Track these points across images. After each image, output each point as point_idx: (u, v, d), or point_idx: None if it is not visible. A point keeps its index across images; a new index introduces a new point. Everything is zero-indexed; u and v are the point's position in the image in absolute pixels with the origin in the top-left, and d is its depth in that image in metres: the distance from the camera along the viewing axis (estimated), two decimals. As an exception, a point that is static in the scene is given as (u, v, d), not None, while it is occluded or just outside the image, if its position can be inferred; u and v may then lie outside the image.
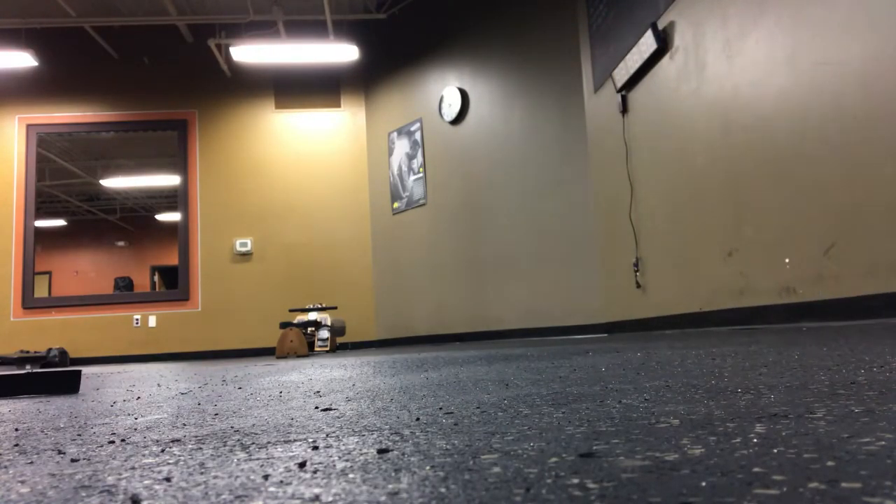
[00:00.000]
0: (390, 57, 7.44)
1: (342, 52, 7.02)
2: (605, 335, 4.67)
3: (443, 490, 0.41)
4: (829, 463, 0.41)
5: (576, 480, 0.41)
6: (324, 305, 6.12)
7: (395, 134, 7.33)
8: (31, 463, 0.61)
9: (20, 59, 6.84)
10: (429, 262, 6.81)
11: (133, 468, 0.55)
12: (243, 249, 7.48)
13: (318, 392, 1.26)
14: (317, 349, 5.95)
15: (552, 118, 5.65)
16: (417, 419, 0.76)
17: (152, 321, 7.37)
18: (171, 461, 0.58)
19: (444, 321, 6.59)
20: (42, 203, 8.11)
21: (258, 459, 0.56)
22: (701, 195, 3.70)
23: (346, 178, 7.73)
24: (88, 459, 0.61)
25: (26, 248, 7.34)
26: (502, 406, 0.83)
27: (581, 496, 0.37)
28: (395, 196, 7.30)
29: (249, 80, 7.76)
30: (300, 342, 5.35)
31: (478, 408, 0.83)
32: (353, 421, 0.78)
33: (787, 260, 3.04)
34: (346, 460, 0.53)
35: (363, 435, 0.66)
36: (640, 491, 0.37)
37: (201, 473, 0.51)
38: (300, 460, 0.54)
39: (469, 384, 1.19)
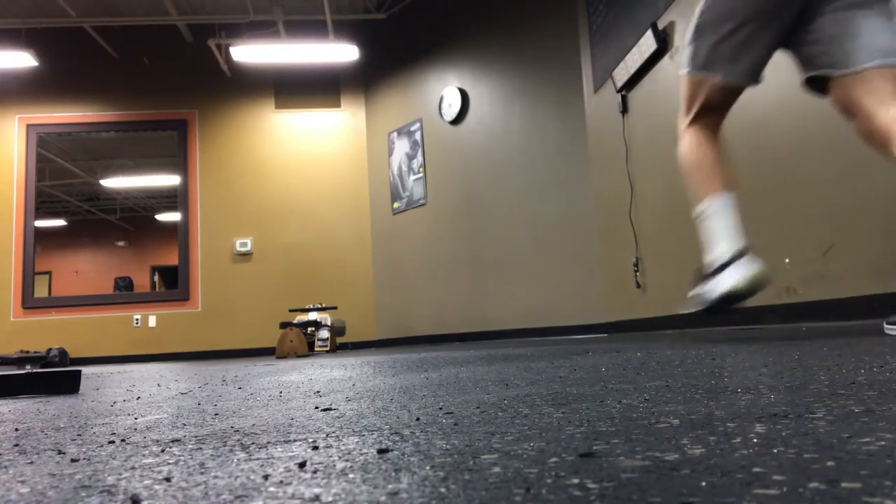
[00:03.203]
0: (390, 57, 7.44)
1: (342, 52, 7.01)
2: (605, 335, 4.67)
3: (443, 490, 0.41)
4: (829, 463, 0.41)
5: (576, 480, 0.41)
6: (324, 305, 6.12)
7: (395, 134, 7.33)
8: (31, 463, 0.61)
9: (20, 59, 6.83)
10: (429, 262, 6.81)
11: (133, 468, 0.55)
12: (243, 249, 7.48)
13: (318, 392, 1.26)
14: (317, 349, 5.95)
15: (552, 118, 5.65)
16: (417, 419, 0.76)
17: (152, 321, 7.37)
18: (171, 461, 0.58)
19: (444, 321, 6.59)
20: (42, 203, 8.11)
21: (258, 459, 0.56)
22: (701, 195, 3.70)
23: (346, 178, 7.73)
24: (88, 459, 0.61)
25: (26, 248, 7.34)
26: (502, 406, 0.83)
27: (581, 496, 0.37)
28: (395, 196, 7.30)
29: (249, 80, 7.76)
30: (300, 342, 5.35)
31: (478, 408, 0.83)
32: (353, 421, 0.78)
33: (787, 260, 3.04)
34: (346, 460, 0.53)
35: (363, 435, 0.66)
36: (640, 491, 0.37)
37: (201, 473, 0.51)
38: (300, 460, 0.54)
39: (469, 384, 1.19)
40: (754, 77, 2.07)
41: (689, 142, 2.13)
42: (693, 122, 2.14)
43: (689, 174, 2.13)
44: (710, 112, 2.11)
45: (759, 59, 2.04)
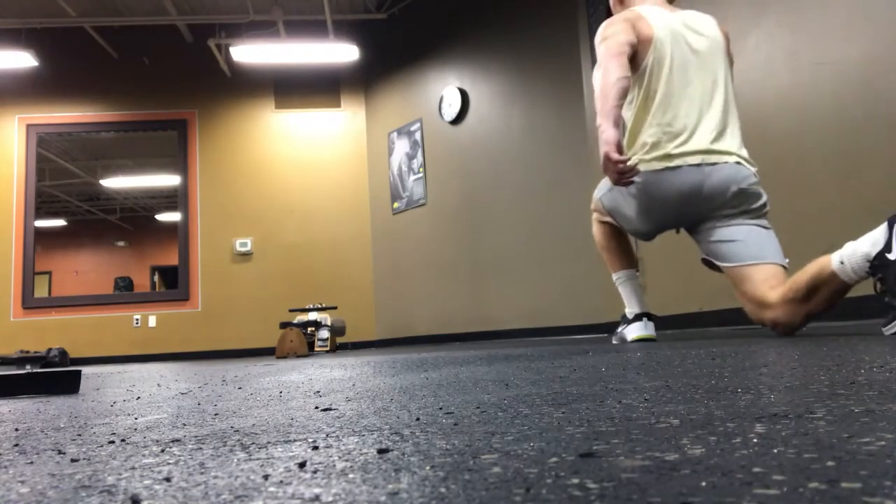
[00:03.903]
0: (390, 57, 7.44)
1: (342, 52, 7.01)
2: (606, 335, 4.67)
3: (443, 490, 0.41)
4: (829, 463, 0.41)
5: (576, 480, 0.41)
6: (324, 305, 6.12)
7: (395, 134, 7.34)
8: (31, 463, 0.61)
9: (20, 59, 6.83)
10: (429, 262, 6.81)
11: (133, 468, 0.55)
12: (243, 249, 7.48)
13: (318, 392, 1.26)
14: (317, 349, 5.95)
15: (552, 118, 5.65)
16: (417, 419, 0.76)
17: (152, 321, 7.37)
18: (171, 461, 0.58)
19: (444, 321, 6.59)
20: (42, 203, 8.11)
21: (258, 459, 0.56)
22: (701, 195, 3.69)
23: (346, 178, 7.73)
24: (88, 459, 0.61)
25: (26, 248, 7.34)
26: (502, 406, 0.83)
27: (581, 496, 0.37)
28: (395, 196, 7.30)
29: (249, 80, 7.76)
30: (300, 342, 5.35)
31: (478, 408, 0.83)
32: (353, 421, 0.78)
33: (786, 259, 3.03)
34: (346, 460, 0.53)
35: (363, 435, 0.66)
36: (640, 491, 0.37)
37: (201, 473, 0.51)
38: (300, 460, 0.54)
39: (469, 384, 1.19)
40: (651, 239, 2.63)
41: (598, 230, 2.79)
42: (601, 220, 2.75)
43: (601, 251, 2.80)
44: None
45: (657, 233, 2.59)
